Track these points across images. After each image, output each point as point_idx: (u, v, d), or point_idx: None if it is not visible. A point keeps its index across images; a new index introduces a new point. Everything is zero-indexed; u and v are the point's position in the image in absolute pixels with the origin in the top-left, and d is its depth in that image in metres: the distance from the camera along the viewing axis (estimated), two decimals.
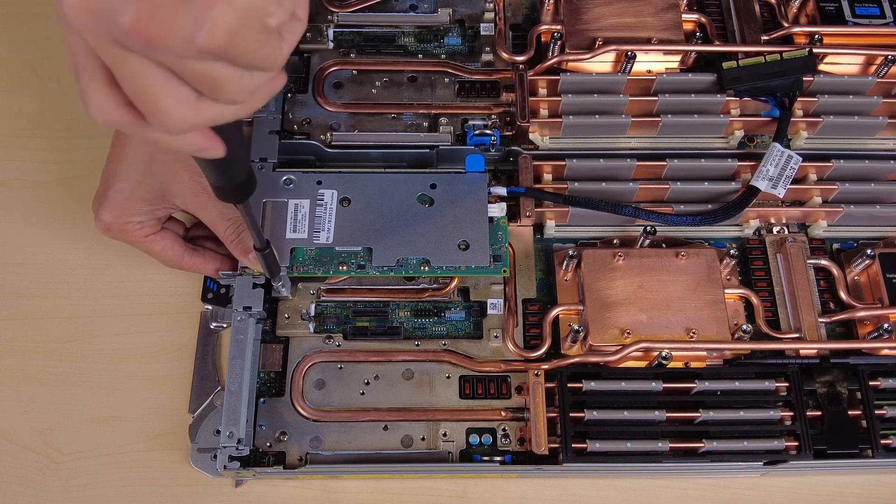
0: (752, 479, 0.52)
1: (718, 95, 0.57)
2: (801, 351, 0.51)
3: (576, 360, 0.50)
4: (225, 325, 0.54)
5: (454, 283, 0.53)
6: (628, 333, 0.50)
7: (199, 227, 0.54)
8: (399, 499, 0.50)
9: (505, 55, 0.60)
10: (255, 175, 0.38)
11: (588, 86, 0.57)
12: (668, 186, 0.55)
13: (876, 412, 0.49)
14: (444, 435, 0.50)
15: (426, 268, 0.51)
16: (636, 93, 0.58)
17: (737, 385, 0.49)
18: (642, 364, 0.51)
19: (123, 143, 0.49)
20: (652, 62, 0.59)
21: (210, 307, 0.54)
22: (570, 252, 0.52)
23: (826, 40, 0.59)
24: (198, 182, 0.49)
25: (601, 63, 0.58)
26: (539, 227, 0.56)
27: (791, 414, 0.49)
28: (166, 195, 0.49)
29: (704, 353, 0.51)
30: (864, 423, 0.49)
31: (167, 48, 0.26)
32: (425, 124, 0.58)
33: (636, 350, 0.49)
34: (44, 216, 0.58)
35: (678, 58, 0.59)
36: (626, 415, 0.48)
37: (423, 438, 0.50)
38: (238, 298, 0.51)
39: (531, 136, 0.57)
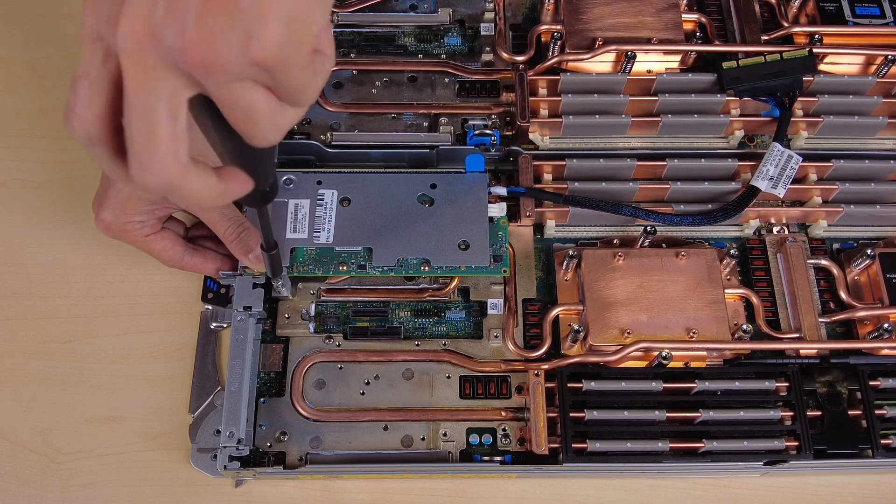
0: (752, 479, 0.52)
1: (718, 95, 0.57)
2: (801, 351, 0.51)
3: (576, 360, 0.50)
4: (225, 325, 0.54)
5: (454, 283, 0.53)
6: (628, 333, 0.50)
7: (199, 226, 0.54)
8: (399, 499, 0.50)
9: (505, 55, 0.60)
10: (277, 181, 0.38)
11: (588, 86, 0.57)
12: (668, 186, 0.55)
13: (876, 412, 0.49)
14: (444, 435, 0.50)
15: (426, 268, 0.51)
16: (636, 93, 0.58)
17: (737, 385, 0.49)
18: (642, 364, 0.51)
19: None
20: (652, 62, 0.59)
21: (210, 307, 0.54)
22: (570, 252, 0.52)
23: (826, 40, 0.59)
24: None
25: (601, 63, 0.58)
26: (539, 227, 0.56)
27: (791, 414, 0.48)
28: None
29: (704, 353, 0.51)
30: (864, 423, 0.49)
31: (221, 65, 0.27)
32: (425, 124, 0.58)
33: (636, 350, 0.49)
34: (44, 216, 0.58)
35: (678, 58, 0.59)
36: (626, 415, 0.48)
37: (423, 438, 0.50)
38: (238, 298, 0.51)
39: (531, 136, 0.57)
